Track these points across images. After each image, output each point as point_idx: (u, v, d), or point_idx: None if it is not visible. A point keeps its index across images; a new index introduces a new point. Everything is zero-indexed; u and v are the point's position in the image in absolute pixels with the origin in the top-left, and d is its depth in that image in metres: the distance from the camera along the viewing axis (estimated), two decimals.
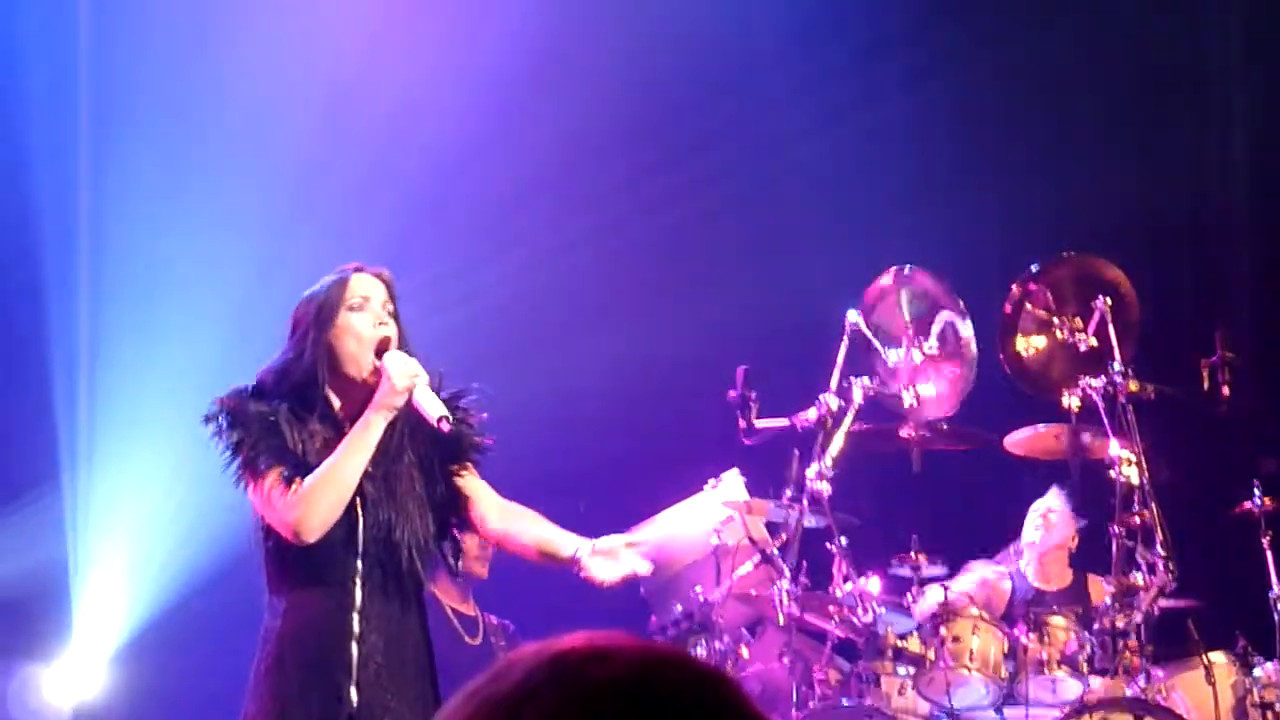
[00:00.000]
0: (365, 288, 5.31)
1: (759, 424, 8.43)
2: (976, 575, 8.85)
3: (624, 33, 10.27)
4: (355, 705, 5.10)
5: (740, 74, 10.58)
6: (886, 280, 8.69)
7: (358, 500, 5.21)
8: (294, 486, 5.12)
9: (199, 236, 10.04)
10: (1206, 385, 8.36)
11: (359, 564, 5.20)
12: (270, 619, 5.26)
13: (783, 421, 8.41)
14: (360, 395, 5.28)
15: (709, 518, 8.75)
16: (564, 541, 5.35)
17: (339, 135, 10.01)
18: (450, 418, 5.13)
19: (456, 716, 1.77)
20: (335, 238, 9.70)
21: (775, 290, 10.15)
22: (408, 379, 5.14)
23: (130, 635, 9.85)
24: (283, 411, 5.23)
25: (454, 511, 5.43)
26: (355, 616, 5.17)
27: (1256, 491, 8.12)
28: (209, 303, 9.99)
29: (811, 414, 8.28)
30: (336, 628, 5.15)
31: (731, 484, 8.84)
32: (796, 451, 8.34)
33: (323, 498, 5.11)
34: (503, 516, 5.45)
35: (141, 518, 9.85)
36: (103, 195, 9.99)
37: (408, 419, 5.27)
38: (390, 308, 5.34)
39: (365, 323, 5.27)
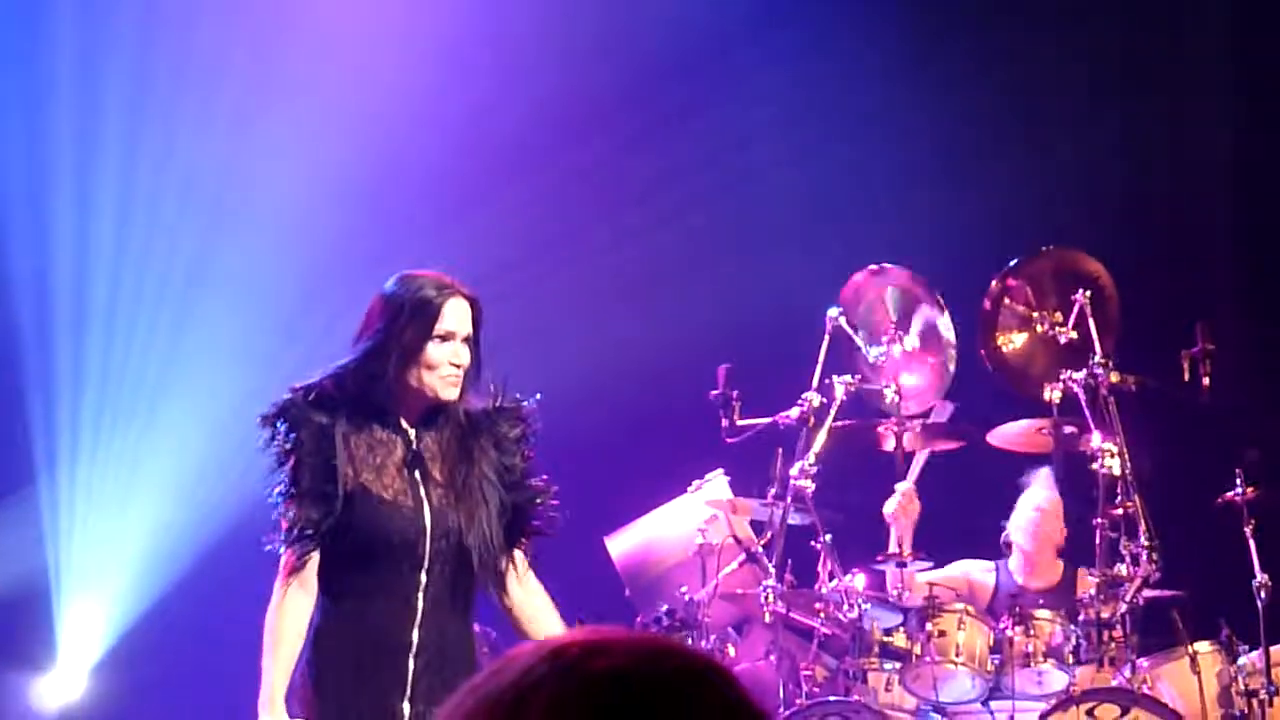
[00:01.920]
0: (453, 318, 5.27)
1: (741, 423, 8.46)
2: (960, 569, 8.85)
3: (598, 29, 10.28)
4: (407, 718, 5.14)
5: (716, 70, 10.57)
6: (863, 277, 8.72)
7: (425, 509, 5.23)
8: (298, 551, 5.17)
9: (189, 229, 10.01)
10: (1187, 376, 8.37)
11: (423, 576, 5.20)
12: (323, 620, 5.25)
13: (765, 420, 8.43)
14: (420, 406, 5.28)
15: (693, 518, 8.78)
16: None
17: (358, 132, 9.99)
18: None
19: (458, 713, 1.78)
20: (345, 233, 9.70)
21: (755, 288, 10.14)
22: None
23: (115, 641, 9.83)
24: (342, 422, 5.22)
25: (521, 524, 5.42)
26: (415, 632, 5.18)
27: (1239, 481, 8.13)
28: (199, 301, 9.97)
29: (794, 412, 8.31)
30: (395, 641, 5.17)
31: (715, 484, 8.88)
32: (779, 450, 8.36)
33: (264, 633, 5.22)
34: (525, 589, 5.46)
35: (124, 522, 9.83)
36: (85, 182, 9.94)
37: (482, 426, 5.30)
38: (470, 334, 5.31)
39: (444, 356, 5.23)
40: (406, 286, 5.30)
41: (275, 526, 5.26)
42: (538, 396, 5.49)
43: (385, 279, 5.43)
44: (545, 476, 5.44)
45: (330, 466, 5.17)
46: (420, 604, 5.18)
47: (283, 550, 5.22)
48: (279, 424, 5.22)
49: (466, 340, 5.27)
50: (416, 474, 5.28)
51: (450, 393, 5.24)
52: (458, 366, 5.23)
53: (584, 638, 1.80)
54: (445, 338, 5.23)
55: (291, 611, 5.19)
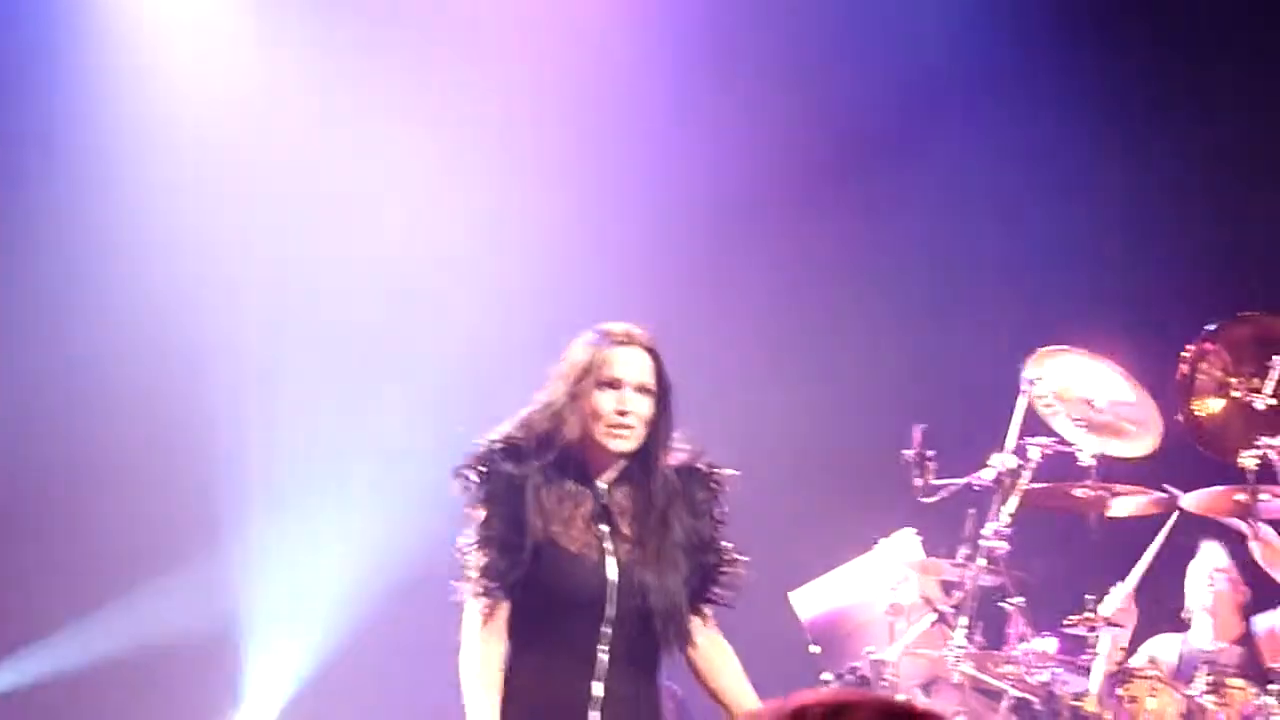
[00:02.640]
0: (622, 366, 5.29)
1: (935, 482, 8.45)
2: (1145, 651, 8.77)
3: (812, 91, 10.35)
4: None
5: (923, 133, 10.58)
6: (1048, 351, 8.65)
7: (610, 563, 5.26)
8: (492, 611, 5.23)
9: (382, 279, 10.17)
10: None
11: (607, 630, 5.23)
12: (506, 673, 5.29)
13: (960, 481, 8.42)
14: (608, 460, 5.31)
15: (884, 576, 8.77)
16: (742, 701, 5.38)
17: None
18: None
19: None
20: (543, 289, 9.80)
21: (951, 347, 10.13)
22: None
23: (299, 690, 9.96)
24: (533, 473, 5.25)
25: (706, 588, 5.44)
26: (595, 684, 5.20)
27: None
28: (393, 350, 10.11)
29: (988, 474, 8.28)
30: (576, 695, 5.20)
31: (906, 542, 8.86)
32: (972, 511, 8.34)
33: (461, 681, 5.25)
34: (707, 640, 5.49)
35: (313, 570, 9.97)
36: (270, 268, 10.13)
37: (677, 487, 5.33)
38: (648, 385, 5.31)
39: (611, 404, 5.25)
40: (586, 336, 5.36)
41: (461, 576, 5.30)
42: (737, 471, 5.51)
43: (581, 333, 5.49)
44: (733, 545, 5.44)
45: (520, 518, 5.20)
46: (602, 659, 5.20)
47: (469, 598, 5.26)
48: (471, 475, 5.28)
49: (643, 390, 5.27)
50: (604, 528, 5.29)
51: (619, 445, 5.25)
52: (624, 415, 5.22)
53: (826, 698, 1.84)
54: (612, 385, 5.24)
55: (489, 659, 5.22)
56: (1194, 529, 8.82)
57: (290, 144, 10.14)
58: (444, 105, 10.31)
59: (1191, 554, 8.96)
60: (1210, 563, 8.82)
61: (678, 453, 5.37)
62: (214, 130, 10.20)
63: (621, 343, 5.32)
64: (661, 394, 5.32)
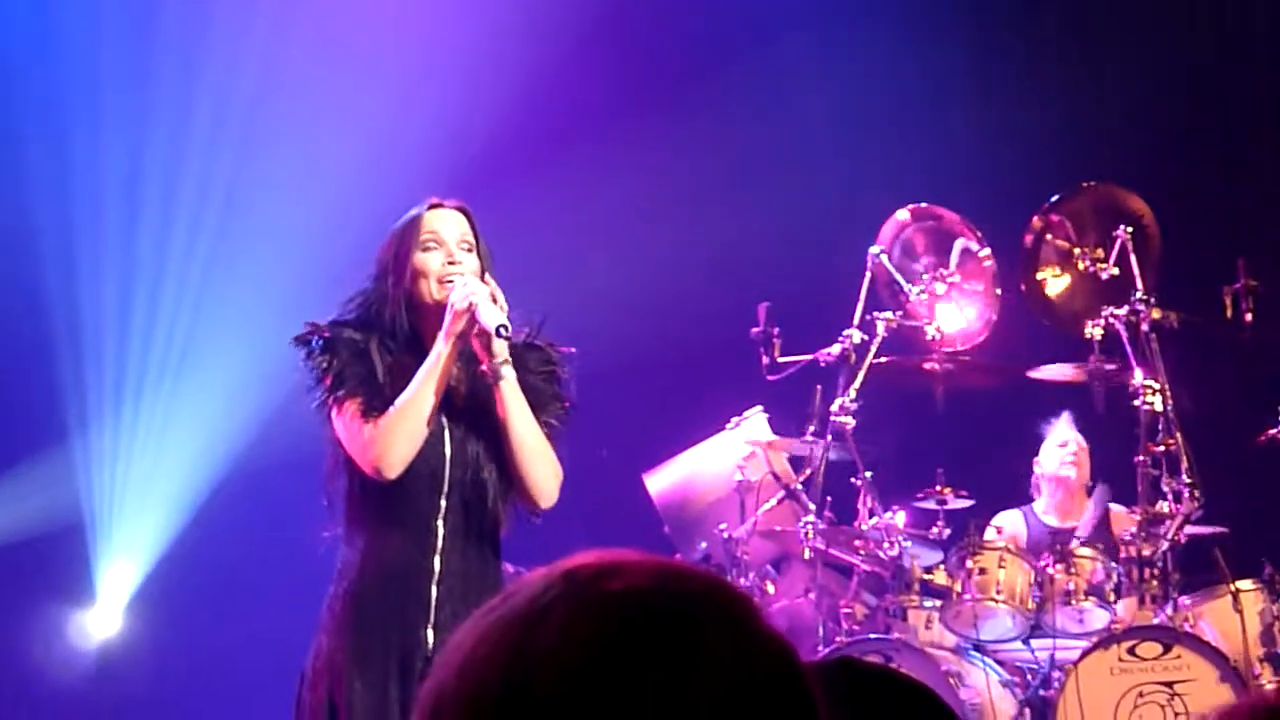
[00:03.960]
0: (438, 224, 5.29)
1: (782, 360, 8.44)
2: (994, 524, 8.81)
3: None
4: (431, 646, 5.08)
5: (759, 16, 10.53)
6: (903, 215, 8.68)
7: (445, 436, 5.21)
8: (375, 420, 5.11)
9: (218, 175, 10.06)
10: (1230, 312, 8.32)
11: (442, 502, 5.18)
12: (348, 553, 5.21)
13: (806, 357, 8.42)
14: (438, 326, 5.23)
15: (732, 455, 8.77)
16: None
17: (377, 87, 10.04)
18: (508, 326, 5.05)
19: (470, 637, 1.77)
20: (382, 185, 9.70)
21: (795, 226, 10.11)
22: (464, 300, 5.11)
23: (150, 577, 9.92)
24: (374, 341, 5.22)
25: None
26: (436, 559, 5.15)
27: None
28: (232, 248, 10.00)
29: (835, 349, 8.29)
30: (416, 568, 5.13)
31: (754, 421, 8.86)
32: (819, 387, 8.35)
33: (400, 430, 5.09)
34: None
35: (159, 462, 9.92)
36: (102, 139, 9.99)
37: (511, 360, 5.24)
38: (469, 240, 5.31)
39: (437, 261, 5.23)
40: (401, 216, 5.36)
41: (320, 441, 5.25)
42: (571, 349, 5.46)
43: None
44: (567, 404, 5.41)
45: (371, 374, 5.18)
46: (440, 531, 5.16)
47: (349, 423, 5.14)
48: (314, 342, 5.22)
49: (465, 245, 5.28)
50: (439, 402, 5.25)
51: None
52: (454, 265, 5.22)
53: (597, 560, 1.78)
54: (435, 243, 5.24)
55: None
56: (1049, 400, 8.86)
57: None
58: None
59: (1046, 429, 8.99)
60: (1059, 438, 8.85)
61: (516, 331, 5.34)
62: None
63: (435, 206, 5.35)
64: (481, 254, 5.33)
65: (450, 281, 5.20)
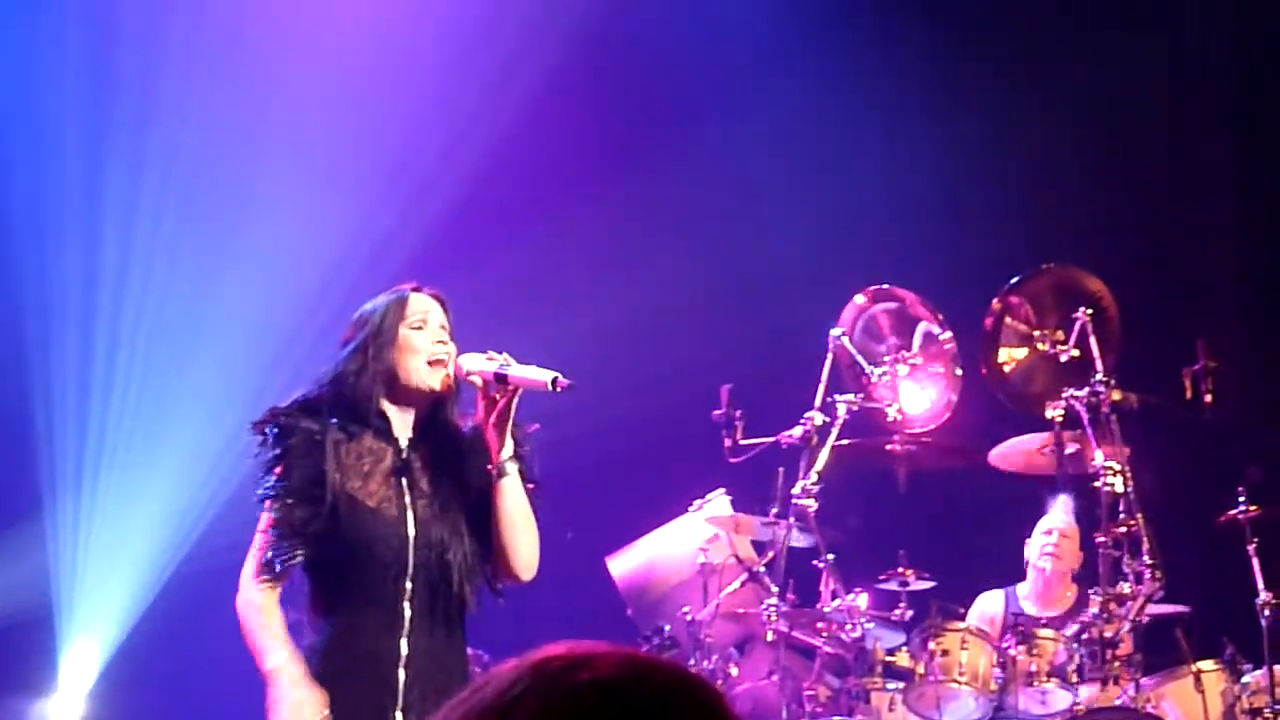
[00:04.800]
0: (424, 306, 5.31)
1: (744, 442, 8.45)
2: (976, 607, 8.81)
3: (606, 82, 10.33)
4: None
5: (719, 98, 10.59)
6: (863, 299, 8.72)
7: (409, 518, 5.20)
8: (284, 566, 5.14)
9: (189, 263, 10.04)
10: (1189, 394, 8.36)
11: (408, 585, 5.17)
12: (314, 636, 5.21)
13: (768, 440, 8.43)
14: (420, 409, 5.27)
15: (695, 537, 8.77)
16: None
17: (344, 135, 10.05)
18: (563, 376, 5.05)
19: None
20: (348, 266, 9.70)
21: (757, 310, 10.15)
22: (491, 364, 5.11)
23: (113, 665, 9.84)
24: (332, 430, 5.21)
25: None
26: (403, 641, 5.13)
27: (1241, 499, 8.11)
28: (199, 335, 9.98)
29: (797, 431, 8.30)
30: (384, 650, 5.12)
31: (717, 503, 8.87)
32: (782, 469, 8.36)
33: (244, 629, 5.18)
34: None
35: (124, 551, 9.85)
36: (94, 205, 9.98)
37: (475, 443, 5.26)
38: (447, 327, 5.33)
39: (424, 340, 5.24)
40: (375, 297, 5.36)
41: (255, 528, 5.24)
42: (535, 426, 5.47)
43: None
44: (531, 485, 5.41)
45: (319, 471, 5.15)
46: (407, 613, 5.15)
47: (256, 549, 5.19)
48: (269, 430, 5.22)
49: (444, 331, 5.28)
50: (403, 483, 5.24)
51: (437, 378, 5.22)
52: (441, 344, 5.23)
53: (566, 651, 1.79)
54: (420, 325, 5.25)
55: (277, 613, 5.19)
56: (1012, 482, 8.88)
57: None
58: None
59: (1008, 509, 9.00)
60: (1050, 522, 8.83)
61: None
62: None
63: (416, 289, 5.37)
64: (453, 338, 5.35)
65: (439, 361, 5.22)
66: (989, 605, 8.83)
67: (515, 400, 5.13)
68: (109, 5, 10.08)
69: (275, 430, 5.21)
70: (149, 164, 10.05)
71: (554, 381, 5.03)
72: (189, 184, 10.09)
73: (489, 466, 5.18)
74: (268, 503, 5.20)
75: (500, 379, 5.09)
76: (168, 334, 10.03)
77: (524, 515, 5.24)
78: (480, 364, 5.13)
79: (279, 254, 9.94)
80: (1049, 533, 8.77)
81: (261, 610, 5.17)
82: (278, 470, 5.18)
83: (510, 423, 5.15)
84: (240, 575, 5.23)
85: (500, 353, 5.17)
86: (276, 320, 9.75)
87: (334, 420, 5.21)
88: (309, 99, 10.12)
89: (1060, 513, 8.77)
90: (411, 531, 5.19)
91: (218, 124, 10.08)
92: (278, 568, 5.16)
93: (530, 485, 5.32)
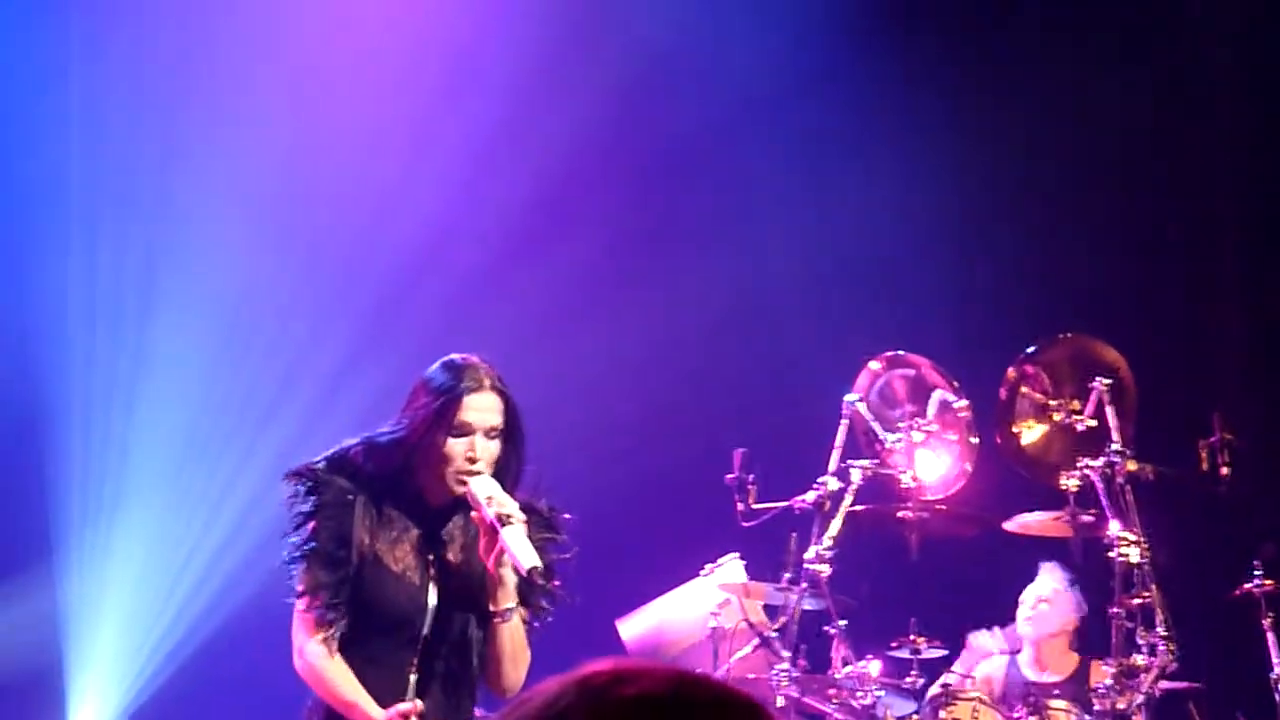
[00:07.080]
0: (474, 411, 5.21)
1: (757, 506, 8.43)
2: (981, 670, 8.79)
3: (611, 132, 10.34)
4: None
5: (730, 156, 10.61)
6: (878, 365, 8.70)
7: (430, 590, 5.23)
8: (322, 629, 5.15)
9: (197, 314, 10.02)
10: (1205, 466, 8.32)
11: (420, 653, 5.21)
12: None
13: (781, 504, 8.40)
14: (444, 492, 5.25)
15: (707, 601, 8.74)
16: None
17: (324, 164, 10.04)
18: (541, 569, 5.04)
19: None
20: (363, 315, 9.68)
21: (773, 374, 10.15)
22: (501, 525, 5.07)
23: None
24: (365, 492, 5.23)
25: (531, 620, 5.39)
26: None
27: (1256, 573, 8.10)
28: (206, 380, 9.96)
29: (810, 496, 8.27)
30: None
31: (730, 568, 8.84)
32: (794, 534, 8.33)
33: (321, 689, 5.18)
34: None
35: (136, 603, 9.81)
36: (97, 271, 9.96)
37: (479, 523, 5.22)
38: (500, 425, 5.24)
39: (460, 450, 5.19)
40: (439, 374, 5.30)
41: (291, 588, 5.25)
42: (568, 515, 5.45)
43: (414, 359, 5.46)
44: (558, 583, 5.37)
45: (346, 532, 5.17)
46: (412, 680, 5.18)
47: (302, 610, 5.20)
48: (302, 485, 5.23)
49: (493, 433, 5.22)
50: (430, 555, 5.26)
51: (461, 488, 5.20)
52: (474, 461, 5.19)
53: (611, 667, 1.78)
54: (463, 432, 5.19)
55: (346, 666, 5.18)
56: (1025, 550, 8.87)
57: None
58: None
59: (1020, 579, 8.99)
60: (1036, 590, 8.84)
61: (518, 491, 5.31)
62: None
63: (473, 389, 5.24)
64: (510, 433, 5.28)
65: (465, 478, 5.19)
66: (991, 669, 8.84)
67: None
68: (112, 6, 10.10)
69: (308, 486, 5.22)
70: (175, 176, 10.01)
71: (531, 570, 5.00)
72: (207, 227, 10.06)
73: (491, 608, 5.19)
74: (300, 564, 5.21)
75: (492, 529, 5.08)
76: (178, 376, 9.99)
77: (520, 649, 5.28)
78: (484, 499, 5.10)
79: (311, 302, 9.93)
80: (1034, 600, 8.86)
81: (334, 664, 5.18)
82: (307, 528, 5.20)
83: (506, 564, 5.13)
84: (293, 639, 5.23)
85: (514, 498, 5.17)
86: (292, 359, 9.73)
87: (369, 481, 5.24)
88: (322, 112, 10.12)
89: (1045, 578, 8.84)
90: (432, 602, 5.22)
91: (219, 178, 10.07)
92: (331, 619, 5.17)
93: (554, 585, 5.33)
